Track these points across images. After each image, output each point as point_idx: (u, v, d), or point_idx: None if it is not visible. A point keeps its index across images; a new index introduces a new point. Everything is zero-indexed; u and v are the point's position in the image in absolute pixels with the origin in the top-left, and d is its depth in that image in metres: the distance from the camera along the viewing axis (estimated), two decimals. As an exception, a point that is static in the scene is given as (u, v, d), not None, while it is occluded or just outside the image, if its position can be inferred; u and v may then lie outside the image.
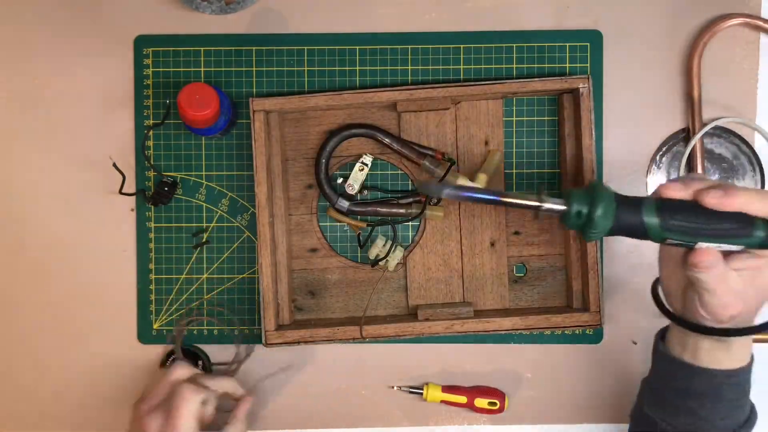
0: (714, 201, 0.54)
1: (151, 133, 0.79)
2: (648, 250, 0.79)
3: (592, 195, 0.57)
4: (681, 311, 0.62)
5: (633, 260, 0.79)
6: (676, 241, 0.56)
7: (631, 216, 0.56)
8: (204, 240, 0.79)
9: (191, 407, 0.65)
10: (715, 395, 0.61)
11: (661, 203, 0.56)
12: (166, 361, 0.79)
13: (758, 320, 0.60)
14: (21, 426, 0.80)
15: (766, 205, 0.55)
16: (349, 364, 0.80)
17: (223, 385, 0.71)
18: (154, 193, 0.78)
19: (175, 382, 0.67)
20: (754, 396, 0.77)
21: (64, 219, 0.80)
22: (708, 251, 0.55)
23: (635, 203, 0.56)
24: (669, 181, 0.56)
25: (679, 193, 0.56)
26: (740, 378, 0.61)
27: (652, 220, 0.55)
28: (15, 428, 0.80)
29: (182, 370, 0.69)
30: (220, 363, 0.79)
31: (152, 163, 0.79)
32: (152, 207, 0.79)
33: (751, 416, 0.64)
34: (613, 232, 0.57)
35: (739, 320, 0.58)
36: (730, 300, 0.56)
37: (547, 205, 0.58)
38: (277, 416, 0.80)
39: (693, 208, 0.55)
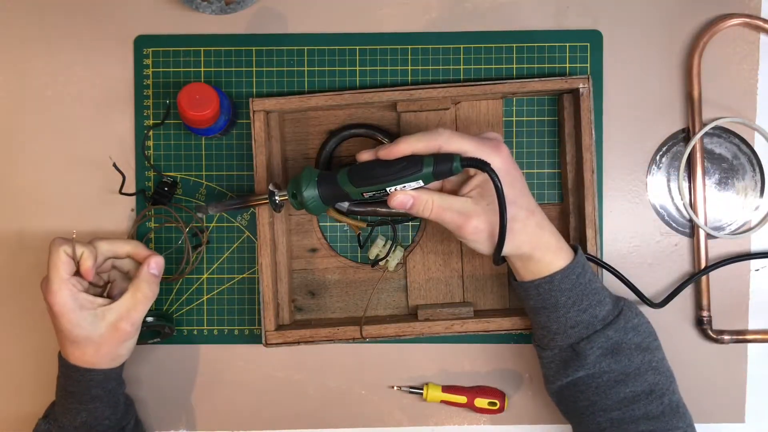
0: (384, 153, 0.65)
1: (151, 133, 0.79)
2: (648, 250, 0.79)
3: (298, 179, 0.68)
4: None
5: (633, 260, 0.79)
6: (371, 194, 0.66)
7: (331, 186, 0.67)
8: (205, 240, 0.79)
9: (56, 258, 0.67)
10: (546, 304, 0.67)
11: (350, 169, 0.66)
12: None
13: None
14: (21, 427, 0.80)
15: (426, 144, 0.64)
16: (349, 364, 0.80)
17: (122, 247, 0.71)
18: (154, 193, 0.78)
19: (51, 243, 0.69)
20: (752, 391, 0.77)
21: (64, 219, 0.80)
22: (396, 192, 0.65)
23: (331, 176, 0.67)
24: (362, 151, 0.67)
25: (366, 155, 0.67)
26: (544, 287, 0.66)
27: (346, 184, 0.66)
28: (15, 429, 0.80)
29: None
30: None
31: (152, 163, 0.79)
32: (152, 207, 0.79)
33: (614, 319, 0.67)
34: (327, 202, 0.68)
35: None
36: (460, 221, 0.65)
37: (276, 197, 0.70)
38: (277, 416, 0.80)
39: (375, 164, 0.65)
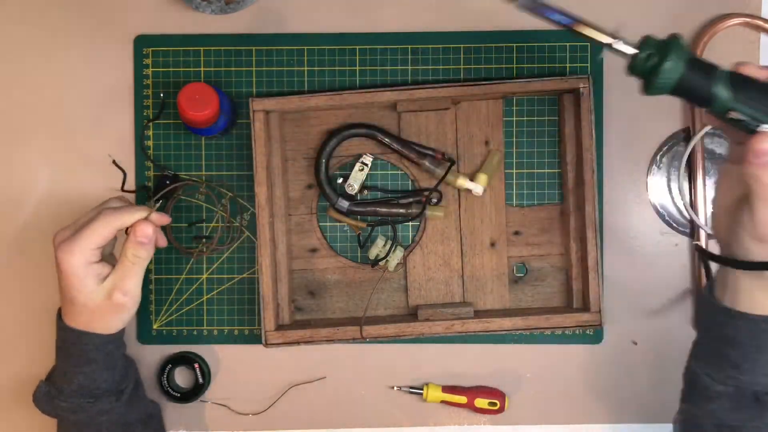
0: None
1: (151, 124, 0.79)
2: (648, 250, 0.79)
3: (667, 44, 0.54)
4: (726, 242, 0.58)
5: (633, 260, 0.79)
6: (741, 117, 0.53)
7: (701, 77, 0.54)
8: (206, 234, 0.79)
9: (101, 228, 0.66)
10: (756, 344, 0.57)
11: (734, 75, 0.54)
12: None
13: None
14: (22, 427, 0.80)
15: None
16: (349, 364, 0.80)
17: (138, 215, 0.68)
18: (156, 189, 0.78)
19: (102, 207, 0.69)
20: None
21: (64, 219, 0.79)
22: None
23: (709, 66, 0.54)
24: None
25: (757, 72, 0.53)
26: None
27: (720, 88, 0.53)
28: (15, 430, 0.80)
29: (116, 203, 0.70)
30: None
31: (152, 158, 0.79)
32: (152, 206, 0.79)
33: None
34: (677, 89, 0.55)
35: None
36: None
37: (619, 45, 0.55)
38: (277, 416, 0.80)
39: (766, 89, 0.53)
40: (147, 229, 0.67)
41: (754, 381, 0.59)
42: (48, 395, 0.69)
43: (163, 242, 0.72)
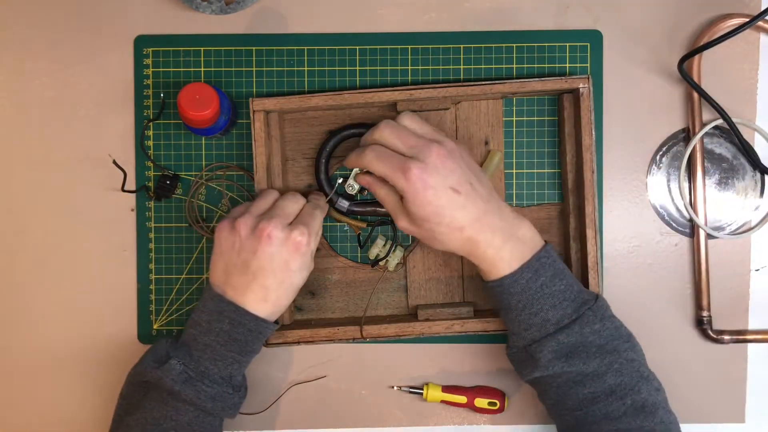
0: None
1: (150, 124, 0.79)
2: (648, 250, 0.79)
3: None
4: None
5: (633, 260, 0.79)
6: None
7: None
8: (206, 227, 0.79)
9: (319, 219, 0.72)
10: (503, 305, 0.69)
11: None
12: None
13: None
14: (22, 428, 0.80)
15: (354, 162, 0.71)
16: (349, 364, 0.80)
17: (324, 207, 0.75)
18: (157, 187, 0.78)
19: (308, 199, 0.74)
20: (752, 391, 0.77)
21: (64, 219, 0.80)
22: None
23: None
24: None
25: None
26: (496, 289, 0.68)
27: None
28: (16, 431, 0.80)
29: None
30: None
31: (152, 158, 0.79)
32: (152, 207, 0.79)
33: (569, 323, 0.67)
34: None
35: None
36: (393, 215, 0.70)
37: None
38: (277, 416, 0.80)
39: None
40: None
41: (519, 336, 0.69)
42: (185, 376, 0.67)
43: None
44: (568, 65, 0.79)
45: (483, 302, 0.79)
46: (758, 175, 0.79)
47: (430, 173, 0.65)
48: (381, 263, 0.78)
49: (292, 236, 0.68)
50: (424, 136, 0.68)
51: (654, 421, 0.66)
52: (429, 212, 0.66)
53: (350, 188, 0.76)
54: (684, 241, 0.79)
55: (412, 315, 0.78)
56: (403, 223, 0.69)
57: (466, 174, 0.67)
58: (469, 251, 0.67)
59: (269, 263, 0.67)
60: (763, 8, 0.79)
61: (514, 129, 0.79)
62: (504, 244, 0.67)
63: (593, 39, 0.79)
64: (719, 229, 0.79)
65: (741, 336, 0.78)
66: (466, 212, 0.66)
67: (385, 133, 0.68)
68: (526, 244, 0.68)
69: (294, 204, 0.71)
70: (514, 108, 0.79)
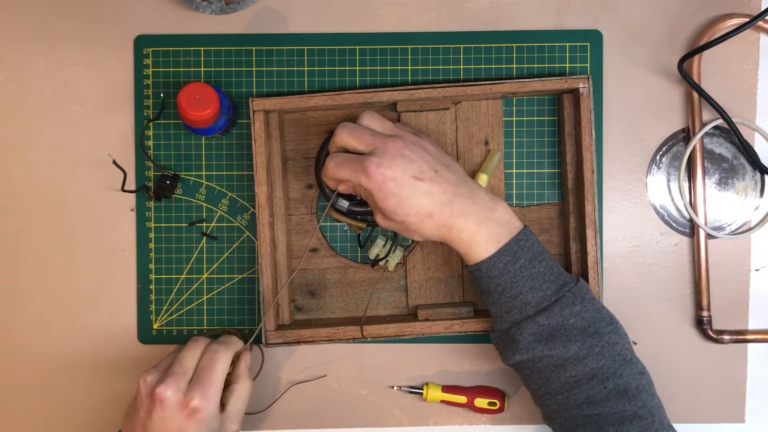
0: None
1: (150, 124, 0.79)
2: (648, 250, 0.79)
3: None
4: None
5: (633, 260, 0.79)
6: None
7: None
8: (205, 231, 0.79)
9: (224, 365, 0.68)
10: (483, 289, 0.69)
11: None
12: None
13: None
14: (22, 428, 0.80)
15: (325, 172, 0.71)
16: (349, 364, 0.80)
17: (235, 345, 0.72)
18: (157, 187, 0.78)
19: (208, 345, 0.70)
20: (752, 391, 0.77)
21: (64, 219, 0.80)
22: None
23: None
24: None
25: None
26: (475, 273, 0.68)
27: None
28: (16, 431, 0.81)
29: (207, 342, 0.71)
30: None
31: (152, 158, 0.79)
32: (152, 207, 0.79)
33: (549, 305, 0.67)
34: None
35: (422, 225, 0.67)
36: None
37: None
38: (277, 416, 0.80)
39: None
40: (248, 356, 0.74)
41: (500, 319, 0.69)
42: None
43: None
44: (568, 65, 0.79)
45: (483, 302, 0.79)
46: (758, 175, 0.79)
47: (388, 165, 0.65)
48: (381, 263, 0.78)
49: (188, 402, 0.65)
50: (383, 133, 0.68)
51: (636, 405, 0.65)
52: (394, 204, 0.66)
53: (339, 202, 0.76)
54: (684, 241, 0.79)
55: (412, 315, 0.78)
56: (379, 219, 0.69)
57: (429, 162, 0.67)
58: (444, 237, 0.68)
59: (164, 427, 0.65)
60: (763, 8, 0.79)
61: (514, 129, 0.79)
62: (478, 227, 0.67)
63: (593, 39, 0.79)
64: (719, 229, 0.79)
65: (741, 336, 0.78)
66: (433, 198, 0.66)
67: (342, 135, 0.68)
68: (503, 227, 0.68)
69: (191, 357, 0.68)
70: (514, 108, 0.79)
